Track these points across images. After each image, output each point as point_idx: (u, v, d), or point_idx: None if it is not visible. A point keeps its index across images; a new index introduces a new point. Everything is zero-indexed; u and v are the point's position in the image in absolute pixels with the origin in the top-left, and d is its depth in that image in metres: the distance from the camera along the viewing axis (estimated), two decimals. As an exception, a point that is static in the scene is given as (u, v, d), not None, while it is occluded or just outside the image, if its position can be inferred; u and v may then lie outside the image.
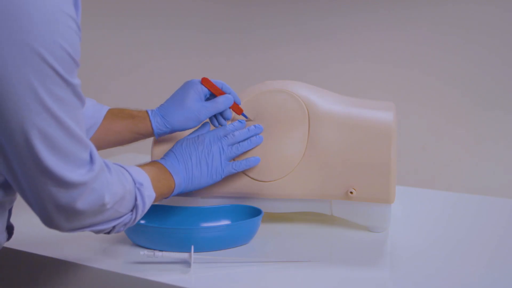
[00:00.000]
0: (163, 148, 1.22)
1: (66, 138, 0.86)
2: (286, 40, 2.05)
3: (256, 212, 1.17)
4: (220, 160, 1.16)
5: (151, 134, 1.19)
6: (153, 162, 1.12)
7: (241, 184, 1.21)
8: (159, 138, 1.23)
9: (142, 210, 1.00)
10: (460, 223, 1.30)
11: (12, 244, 1.12)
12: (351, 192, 1.18)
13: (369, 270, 1.06)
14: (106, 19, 2.34)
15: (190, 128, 1.19)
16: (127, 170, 1.00)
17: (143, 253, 1.04)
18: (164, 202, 1.23)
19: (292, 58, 2.04)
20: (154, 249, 1.06)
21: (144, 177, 1.02)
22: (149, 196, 1.01)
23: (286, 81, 1.26)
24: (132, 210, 0.99)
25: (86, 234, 1.18)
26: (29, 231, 1.20)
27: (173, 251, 1.07)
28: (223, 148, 1.17)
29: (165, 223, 1.18)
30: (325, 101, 1.23)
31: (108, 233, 0.99)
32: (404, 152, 1.76)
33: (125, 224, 0.99)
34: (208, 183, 1.16)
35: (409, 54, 1.88)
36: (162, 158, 1.14)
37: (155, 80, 2.24)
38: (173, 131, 1.19)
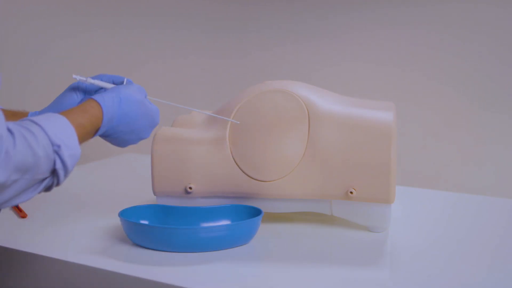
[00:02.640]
0: (164, 147, 1.22)
1: None
2: (286, 40, 2.05)
3: (256, 212, 1.17)
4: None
5: None
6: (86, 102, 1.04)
7: (241, 184, 1.21)
8: (160, 136, 1.23)
9: (65, 171, 0.93)
10: (460, 223, 1.30)
11: (12, 244, 1.12)
12: (351, 192, 1.18)
13: (369, 270, 1.06)
14: (104, 19, 2.34)
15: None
16: (43, 129, 0.92)
17: (75, 77, 1.06)
18: (165, 202, 1.23)
19: (292, 57, 2.04)
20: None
21: (64, 133, 0.94)
22: (72, 156, 0.94)
23: (286, 81, 1.26)
24: (52, 173, 0.92)
25: (86, 233, 1.18)
26: (29, 231, 1.20)
27: (174, 251, 1.08)
28: None
29: (165, 223, 1.18)
30: (325, 101, 1.23)
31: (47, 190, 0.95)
32: (404, 152, 1.76)
33: (49, 188, 0.94)
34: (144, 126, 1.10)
35: (409, 54, 1.88)
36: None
37: (153, 80, 2.24)
38: None
